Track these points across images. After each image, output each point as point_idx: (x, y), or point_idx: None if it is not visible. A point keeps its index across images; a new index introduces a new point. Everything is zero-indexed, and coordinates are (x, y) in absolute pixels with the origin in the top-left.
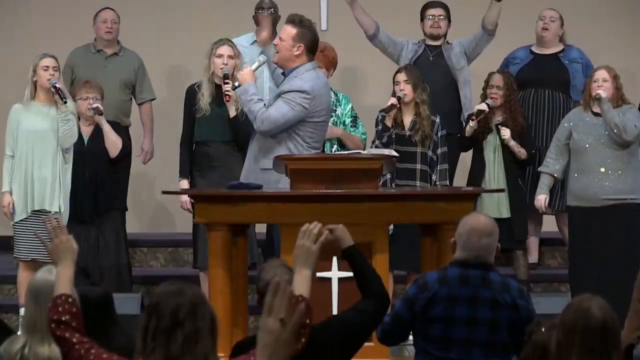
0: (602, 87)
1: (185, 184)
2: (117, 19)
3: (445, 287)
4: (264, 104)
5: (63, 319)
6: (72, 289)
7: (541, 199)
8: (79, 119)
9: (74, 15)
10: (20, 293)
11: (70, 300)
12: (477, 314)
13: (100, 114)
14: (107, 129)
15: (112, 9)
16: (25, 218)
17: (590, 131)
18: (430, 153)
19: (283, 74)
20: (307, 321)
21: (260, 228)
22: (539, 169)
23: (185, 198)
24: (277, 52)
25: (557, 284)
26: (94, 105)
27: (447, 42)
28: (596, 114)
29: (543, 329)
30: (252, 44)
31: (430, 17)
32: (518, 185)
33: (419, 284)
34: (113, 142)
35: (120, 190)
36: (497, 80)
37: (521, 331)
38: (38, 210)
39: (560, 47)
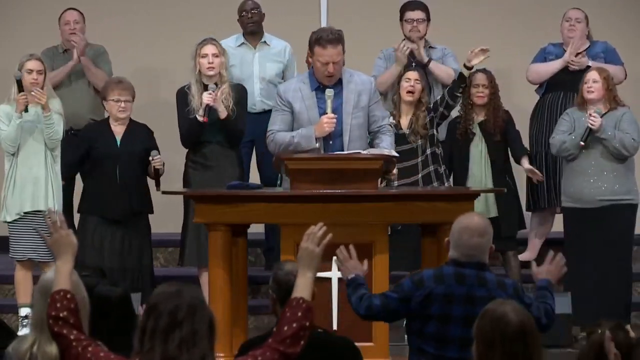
0: (591, 88)
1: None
2: (79, 18)
3: (442, 285)
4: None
5: (61, 315)
6: (70, 284)
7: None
8: (109, 118)
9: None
10: (18, 292)
11: (68, 296)
12: (474, 312)
13: (162, 171)
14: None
15: (75, 9)
16: (20, 218)
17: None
18: (430, 149)
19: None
20: (307, 324)
21: (259, 228)
22: (567, 142)
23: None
24: (334, 75)
25: (557, 284)
26: (157, 166)
27: (429, 45)
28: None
29: (600, 330)
30: (239, 46)
31: (409, 20)
32: (505, 183)
33: (414, 280)
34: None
35: (149, 192)
36: (482, 79)
37: None
38: (32, 211)
39: (586, 46)
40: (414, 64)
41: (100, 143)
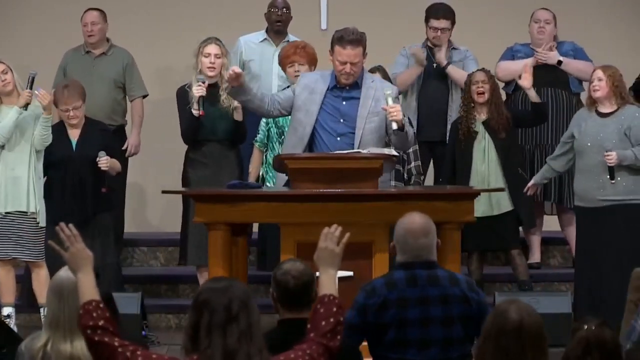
0: (597, 86)
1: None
2: (98, 19)
3: (394, 290)
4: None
5: (100, 324)
6: (98, 294)
7: (529, 185)
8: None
9: (62, 16)
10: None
11: (101, 305)
12: (429, 313)
13: (105, 170)
14: (115, 171)
15: (95, 10)
16: (2, 218)
17: (592, 132)
18: (401, 152)
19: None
20: (341, 319)
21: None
22: (547, 159)
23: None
24: (353, 74)
25: (558, 284)
26: (103, 168)
27: (452, 47)
28: (600, 114)
29: (586, 326)
30: (261, 41)
31: (434, 28)
32: (517, 175)
33: (367, 290)
34: (117, 171)
35: (112, 192)
36: (481, 76)
37: (475, 324)
38: (14, 211)
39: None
40: (435, 64)
41: (57, 148)
